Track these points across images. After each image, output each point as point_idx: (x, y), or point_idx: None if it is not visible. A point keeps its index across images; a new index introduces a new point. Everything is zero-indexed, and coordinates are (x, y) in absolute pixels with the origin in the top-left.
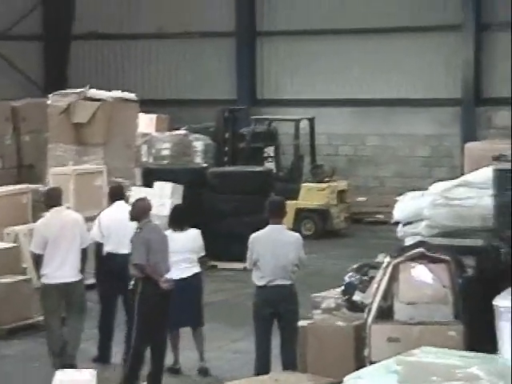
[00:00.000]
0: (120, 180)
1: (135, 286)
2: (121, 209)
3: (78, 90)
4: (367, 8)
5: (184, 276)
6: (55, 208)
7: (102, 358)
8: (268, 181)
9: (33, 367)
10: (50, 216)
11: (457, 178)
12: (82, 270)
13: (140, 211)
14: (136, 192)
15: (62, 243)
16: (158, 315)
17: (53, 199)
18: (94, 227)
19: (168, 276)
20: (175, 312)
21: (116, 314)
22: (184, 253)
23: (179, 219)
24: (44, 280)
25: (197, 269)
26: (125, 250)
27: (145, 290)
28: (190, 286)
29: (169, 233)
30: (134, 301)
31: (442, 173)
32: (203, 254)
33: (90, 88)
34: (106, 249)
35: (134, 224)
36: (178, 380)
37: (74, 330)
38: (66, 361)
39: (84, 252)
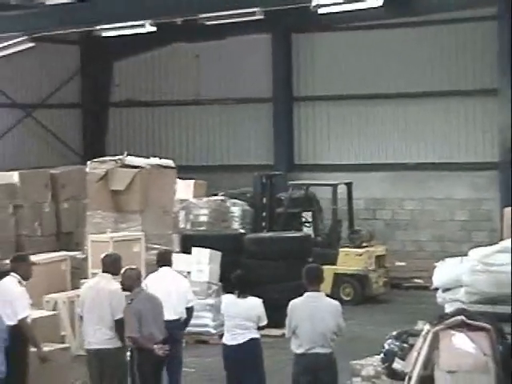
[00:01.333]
0: (158, 246)
1: (131, 356)
2: (167, 275)
3: (116, 158)
4: (403, 72)
5: (237, 342)
6: (102, 274)
7: None
8: (306, 246)
9: None
10: (95, 280)
11: (496, 242)
12: (121, 339)
13: (131, 280)
14: (175, 258)
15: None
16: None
17: (107, 266)
18: None
19: (224, 341)
20: (233, 377)
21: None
22: (241, 319)
23: (242, 285)
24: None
25: (253, 335)
26: (170, 316)
27: (141, 361)
28: (245, 351)
29: (231, 298)
30: (132, 371)
31: (480, 237)
32: (264, 323)
33: (128, 155)
34: None
35: (181, 290)
36: None
37: None
38: None
39: (119, 322)
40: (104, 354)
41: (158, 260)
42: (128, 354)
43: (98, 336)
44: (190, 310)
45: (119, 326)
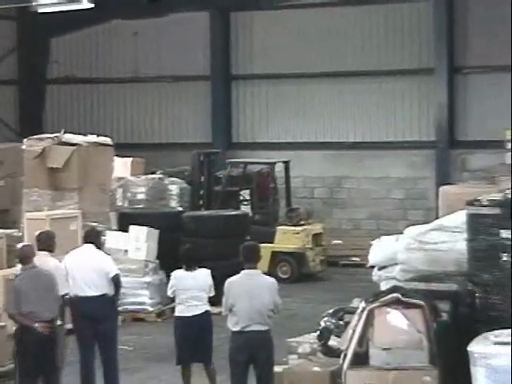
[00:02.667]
0: (95, 224)
1: (15, 333)
2: (86, 252)
3: (53, 135)
4: (341, 52)
5: (193, 314)
6: (38, 252)
7: None
8: (244, 224)
9: None
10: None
11: (432, 220)
12: (62, 317)
13: (21, 256)
14: (111, 236)
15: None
16: (38, 362)
17: (40, 243)
18: None
19: (178, 313)
20: (186, 348)
21: (95, 356)
22: (193, 291)
23: (189, 259)
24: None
25: (206, 307)
26: (90, 292)
27: (22, 337)
28: (200, 323)
29: (180, 272)
30: (14, 348)
31: (416, 215)
32: (212, 293)
33: (65, 132)
34: (73, 291)
35: (100, 265)
36: None
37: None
38: None
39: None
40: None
41: (84, 237)
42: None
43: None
44: (114, 279)
45: (61, 302)
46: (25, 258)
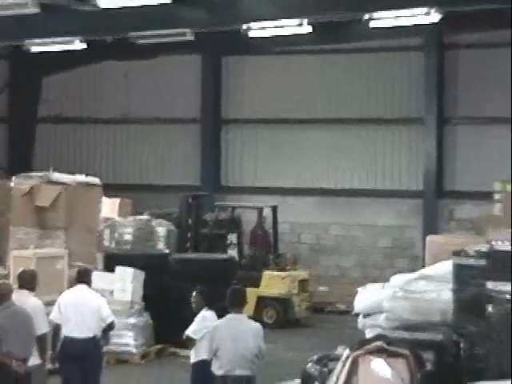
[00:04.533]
0: (81, 264)
1: None
2: (81, 292)
3: (42, 174)
4: (331, 99)
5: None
6: (19, 291)
7: None
8: (230, 268)
9: None
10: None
11: (418, 269)
12: (42, 357)
13: (0, 295)
14: (97, 276)
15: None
16: None
17: (21, 281)
18: (54, 308)
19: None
20: None
21: None
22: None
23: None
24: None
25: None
26: (82, 334)
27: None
28: None
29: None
30: None
31: (403, 263)
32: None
33: (54, 171)
34: (64, 332)
35: (95, 307)
36: None
37: None
38: None
39: (40, 339)
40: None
41: (76, 277)
42: None
43: None
44: (109, 326)
45: (41, 342)
46: (3, 296)
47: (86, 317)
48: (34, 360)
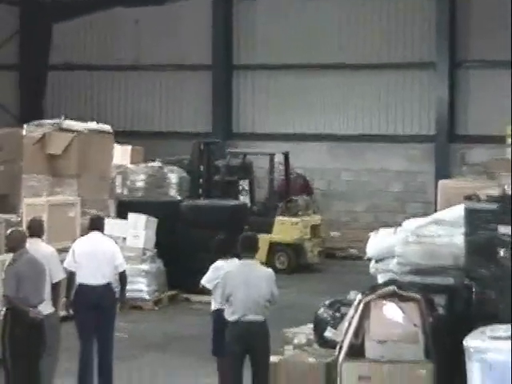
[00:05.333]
0: (94, 211)
1: (5, 317)
2: (96, 240)
3: (53, 121)
4: (343, 44)
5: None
6: (32, 239)
7: None
8: (242, 214)
9: None
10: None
11: (430, 214)
12: (55, 304)
13: (15, 242)
14: (110, 223)
15: None
16: (28, 346)
17: (31, 230)
18: (68, 256)
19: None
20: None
21: (93, 343)
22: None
23: (224, 251)
24: None
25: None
26: (97, 281)
27: (13, 321)
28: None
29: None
30: (4, 331)
31: (415, 208)
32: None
33: (65, 119)
34: (78, 279)
35: (109, 254)
36: None
37: (48, 366)
38: None
39: (55, 286)
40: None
41: (90, 224)
42: (2, 313)
43: None
44: (122, 276)
45: (55, 289)
46: (17, 243)
47: (100, 264)
48: (48, 308)
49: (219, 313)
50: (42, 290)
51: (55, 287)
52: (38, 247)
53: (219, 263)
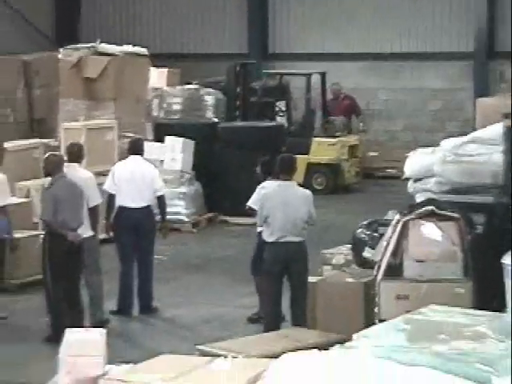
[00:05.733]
0: (131, 135)
1: (44, 240)
2: (136, 163)
3: (89, 45)
4: None
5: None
6: (69, 164)
7: (123, 311)
8: (279, 135)
9: (44, 321)
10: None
11: (468, 132)
12: (94, 228)
13: (52, 166)
14: (147, 146)
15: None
16: (67, 268)
17: (70, 155)
18: (108, 178)
19: None
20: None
21: (134, 265)
22: None
23: (268, 173)
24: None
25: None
26: (137, 203)
27: (52, 245)
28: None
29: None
30: (44, 254)
31: (453, 127)
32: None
33: (101, 42)
34: (118, 202)
35: (149, 177)
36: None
37: (95, 286)
38: (96, 318)
39: (93, 210)
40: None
41: (129, 148)
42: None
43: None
44: (161, 200)
45: (93, 213)
46: (55, 166)
47: (139, 187)
48: (87, 231)
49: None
50: (80, 214)
51: (93, 211)
52: (75, 172)
53: (265, 184)
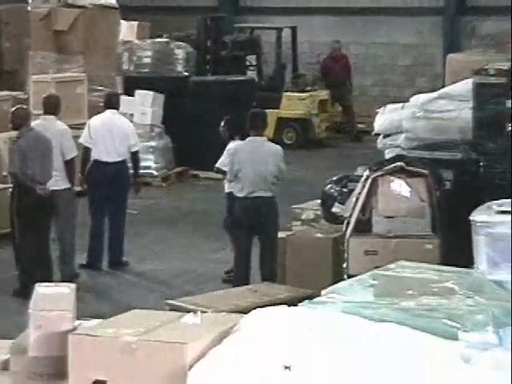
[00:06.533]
0: (101, 88)
1: (12, 193)
2: (111, 118)
3: None
4: None
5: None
6: (45, 116)
7: (93, 265)
8: (250, 90)
9: (13, 275)
10: (40, 123)
11: (438, 88)
12: (71, 181)
13: (19, 119)
14: None
15: None
16: (36, 222)
17: (46, 107)
18: (84, 132)
19: None
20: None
21: (105, 221)
22: None
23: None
24: None
25: None
26: (112, 158)
27: (20, 198)
28: None
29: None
30: (12, 208)
31: (423, 82)
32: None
33: None
34: (93, 155)
35: (125, 133)
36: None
37: (67, 240)
38: (66, 272)
39: (69, 163)
40: (56, 194)
41: (105, 102)
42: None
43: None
44: (135, 155)
45: (70, 165)
46: (21, 120)
47: (115, 141)
48: (63, 183)
49: (231, 195)
50: (48, 167)
51: (69, 163)
52: (52, 124)
53: (231, 145)
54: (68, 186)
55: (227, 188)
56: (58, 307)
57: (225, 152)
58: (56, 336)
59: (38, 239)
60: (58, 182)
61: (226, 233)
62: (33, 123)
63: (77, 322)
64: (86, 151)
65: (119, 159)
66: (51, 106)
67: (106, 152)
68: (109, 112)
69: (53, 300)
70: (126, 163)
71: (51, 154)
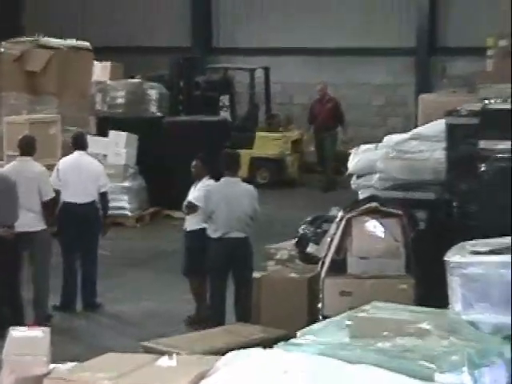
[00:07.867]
0: (74, 129)
1: None
2: (80, 159)
3: (32, 38)
4: None
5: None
6: (22, 158)
7: (66, 307)
8: (223, 130)
9: None
10: (17, 164)
11: (411, 128)
12: (47, 222)
13: None
14: (91, 141)
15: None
16: (5, 264)
17: (22, 148)
18: (53, 174)
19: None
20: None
21: (77, 260)
22: None
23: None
24: None
25: None
26: (82, 199)
27: None
28: None
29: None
30: None
31: (396, 122)
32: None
33: (44, 36)
34: (63, 197)
35: (94, 174)
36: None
37: (41, 281)
38: (40, 314)
39: (46, 204)
40: (33, 236)
41: (73, 143)
42: None
43: (28, 219)
44: (104, 196)
45: (47, 207)
46: None
47: (85, 182)
48: (40, 225)
49: (198, 233)
50: (13, 208)
51: (47, 205)
52: (28, 166)
53: (208, 182)
54: (44, 227)
55: (188, 226)
56: (32, 351)
57: (198, 187)
58: (31, 381)
59: (7, 281)
60: (34, 223)
61: (185, 277)
62: (9, 165)
63: (51, 366)
64: (56, 193)
65: (88, 200)
66: (27, 147)
67: (74, 193)
68: (77, 153)
69: (26, 344)
70: (96, 204)
71: (15, 195)
